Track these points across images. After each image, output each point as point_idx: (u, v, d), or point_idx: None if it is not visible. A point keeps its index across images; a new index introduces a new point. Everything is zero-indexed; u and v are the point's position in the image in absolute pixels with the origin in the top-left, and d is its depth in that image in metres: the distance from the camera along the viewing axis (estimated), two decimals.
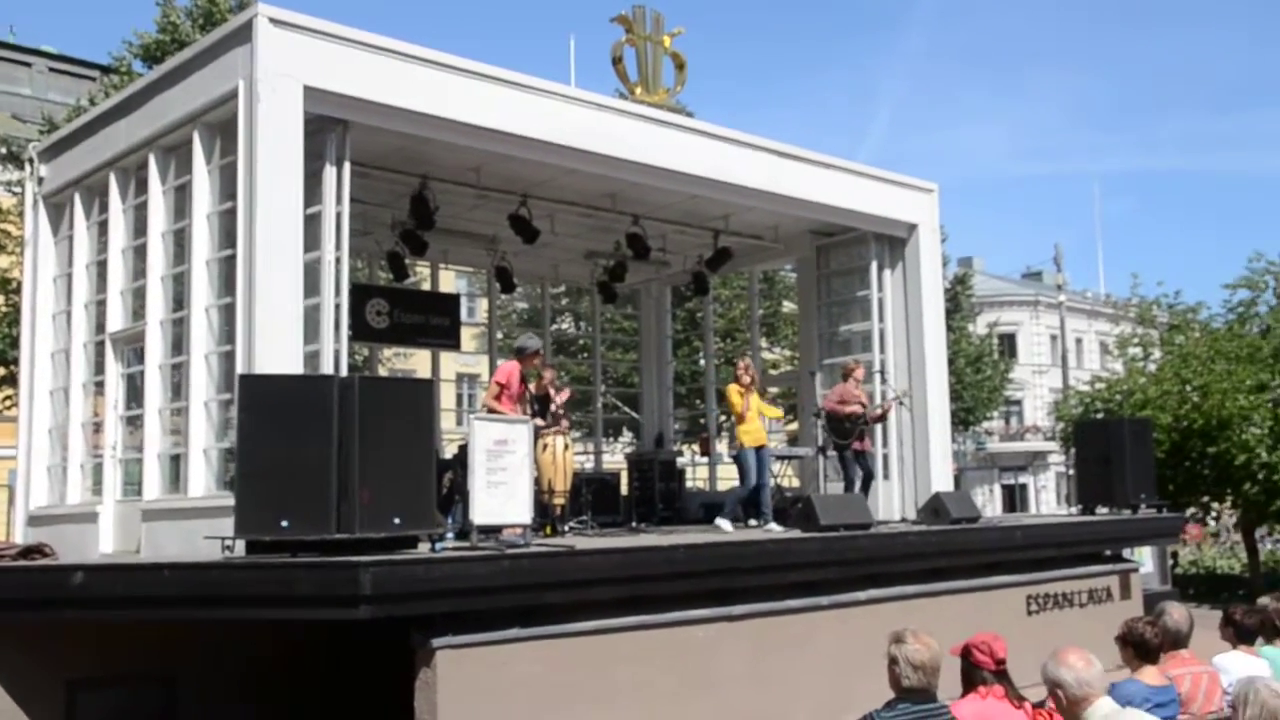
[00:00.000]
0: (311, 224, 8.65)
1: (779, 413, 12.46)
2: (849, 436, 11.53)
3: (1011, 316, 47.60)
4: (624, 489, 14.81)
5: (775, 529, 10.62)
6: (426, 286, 16.53)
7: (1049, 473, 46.62)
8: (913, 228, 13.64)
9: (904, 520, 12.48)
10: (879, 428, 13.01)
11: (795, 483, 15.69)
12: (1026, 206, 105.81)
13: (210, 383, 8.83)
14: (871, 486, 11.98)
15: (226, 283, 8.73)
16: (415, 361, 28.17)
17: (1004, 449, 46.09)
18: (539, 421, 10.32)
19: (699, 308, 22.25)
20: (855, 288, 14.08)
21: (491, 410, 9.46)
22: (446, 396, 24.67)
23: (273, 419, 6.57)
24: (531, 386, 10.77)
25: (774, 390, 18.58)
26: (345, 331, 8.76)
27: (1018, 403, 46.95)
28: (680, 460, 16.62)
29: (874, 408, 12.38)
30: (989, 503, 43.61)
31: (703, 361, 19.52)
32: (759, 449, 10.94)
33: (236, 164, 8.45)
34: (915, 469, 13.28)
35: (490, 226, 13.29)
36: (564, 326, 27.40)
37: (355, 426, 6.60)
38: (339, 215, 8.81)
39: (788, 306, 28.60)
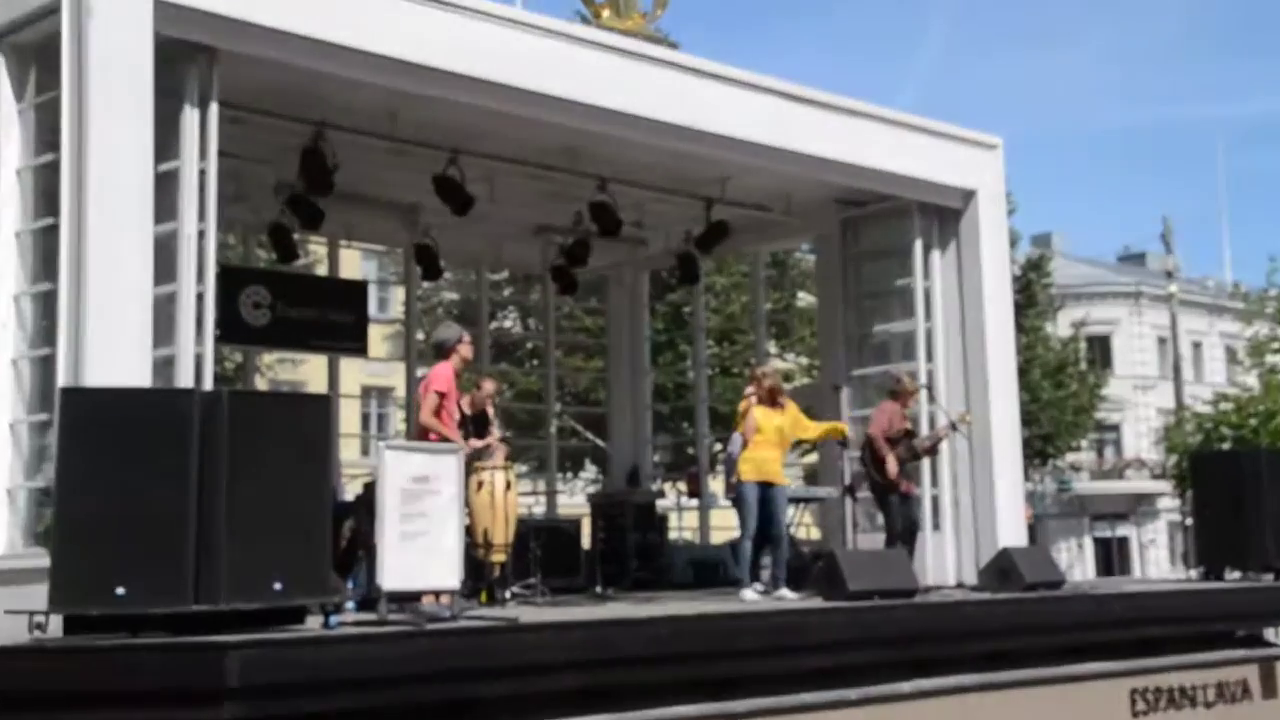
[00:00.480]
0: (165, 185, 8.62)
1: (838, 427, 12.09)
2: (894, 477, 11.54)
3: (1105, 313, 47.98)
4: (586, 541, 14.80)
5: (789, 596, 10.58)
6: (323, 271, 16.50)
7: (1158, 522, 46.93)
8: (970, 195, 13.71)
9: (961, 586, 12.53)
10: (925, 462, 13.04)
11: (814, 534, 15.64)
12: (1124, 167, 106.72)
13: (19, 399, 8.75)
14: (916, 540, 11.97)
15: (45, 263, 8.66)
16: (307, 371, 28.10)
17: (1096, 490, 46.39)
18: (477, 443, 10.26)
19: (687, 301, 22.25)
20: (894, 275, 14.13)
21: (428, 433, 9.37)
22: (348, 417, 24.58)
23: (107, 448, 6.54)
24: (464, 403, 10.70)
25: None
26: (211, 330, 8.73)
27: (1114, 428, 47.28)
28: (662, 503, 16.61)
29: (923, 439, 12.38)
30: (1076, 562, 43.84)
31: (691, 373, 19.50)
32: (765, 486, 10.90)
33: (60, 102, 8.37)
34: (976, 517, 13.32)
35: (409, 191, 13.28)
36: (507, 324, 27.37)
37: (223, 458, 6.58)
38: (203, 174, 8.78)
39: (804, 300, 28.62)
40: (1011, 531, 13.15)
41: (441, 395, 9.64)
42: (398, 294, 26.98)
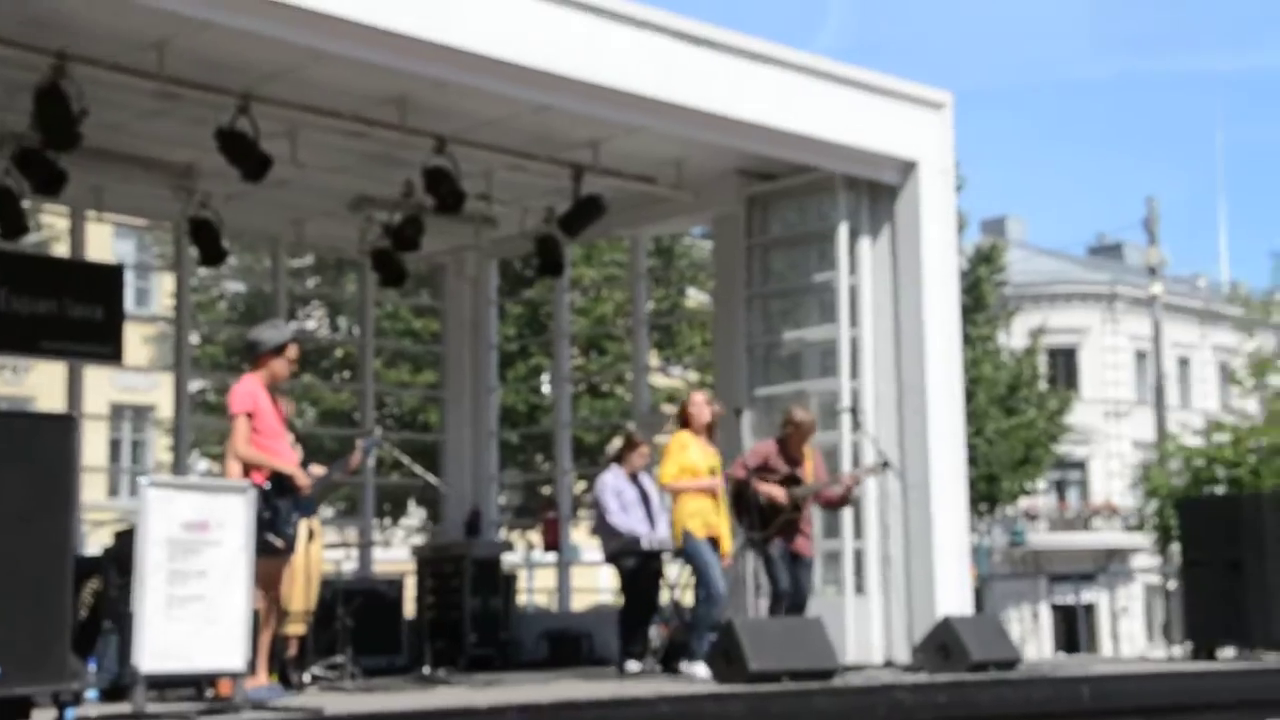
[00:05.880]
0: None
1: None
2: (768, 525, 11.68)
3: (1070, 318, 48.85)
4: (410, 608, 14.81)
5: (701, 673, 10.88)
6: (62, 251, 16.24)
7: (1133, 585, 47.81)
8: (909, 167, 13.92)
9: (891, 665, 12.72)
10: (846, 509, 13.16)
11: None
12: (1097, 138, 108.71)
13: None
14: (806, 606, 12.01)
15: None
16: (37, 382, 27.62)
17: (1057, 544, 47.10)
18: (318, 470, 10.04)
19: (547, 299, 22.25)
20: (811, 267, 14.32)
21: (250, 471, 9.17)
22: (93, 444, 24.14)
23: None
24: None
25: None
26: None
27: (1079, 465, 48.13)
28: (509, 559, 16.56)
29: (827, 482, 12.38)
30: (1031, 635, 44.50)
31: (550, 390, 19.51)
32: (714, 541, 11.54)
33: None
34: (909, 577, 13.51)
35: (182, 149, 13.26)
36: (311, 325, 27.15)
37: None
38: None
39: (695, 298, 28.75)
40: (955, 596, 13.35)
41: (249, 415, 9.38)
42: (163, 283, 26.64)
